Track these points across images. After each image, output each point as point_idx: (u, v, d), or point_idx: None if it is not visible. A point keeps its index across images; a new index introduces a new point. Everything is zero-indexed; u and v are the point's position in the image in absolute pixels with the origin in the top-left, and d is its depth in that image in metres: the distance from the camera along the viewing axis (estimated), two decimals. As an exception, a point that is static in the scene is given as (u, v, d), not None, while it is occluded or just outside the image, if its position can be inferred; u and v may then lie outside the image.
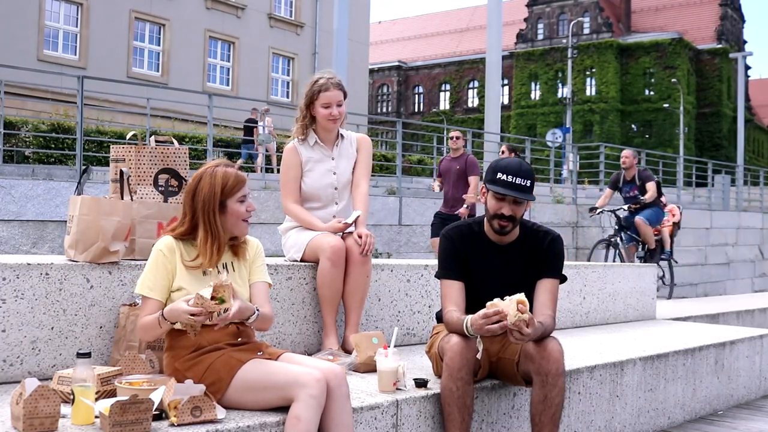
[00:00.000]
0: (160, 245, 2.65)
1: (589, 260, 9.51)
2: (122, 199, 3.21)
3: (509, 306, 2.70)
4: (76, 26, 23.52)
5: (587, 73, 57.52)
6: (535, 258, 3.14)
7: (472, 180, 8.50)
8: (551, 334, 2.98)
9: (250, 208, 2.71)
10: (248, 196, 2.72)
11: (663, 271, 9.54)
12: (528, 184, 2.98)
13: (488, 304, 2.76)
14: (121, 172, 3.23)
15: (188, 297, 2.47)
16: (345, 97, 3.81)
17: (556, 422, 2.92)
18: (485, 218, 3.15)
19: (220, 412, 2.38)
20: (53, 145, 13.46)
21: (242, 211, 2.68)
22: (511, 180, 2.96)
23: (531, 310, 3.03)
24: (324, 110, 3.73)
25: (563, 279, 3.20)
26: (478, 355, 2.91)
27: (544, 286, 3.11)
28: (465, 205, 8.41)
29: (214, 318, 2.44)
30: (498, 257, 3.14)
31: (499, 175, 2.98)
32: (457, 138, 8.80)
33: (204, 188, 2.63)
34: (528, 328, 2.70)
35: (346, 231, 3.72)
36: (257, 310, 2.65)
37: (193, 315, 2.41)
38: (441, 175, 8.93)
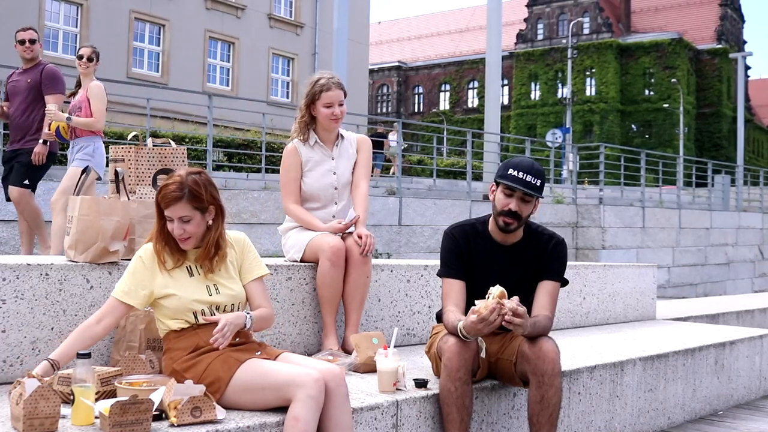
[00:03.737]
0: (141, 251, 2.66)
1: None
2: (120, 199, 3.22)
3: (498, 299, 2.73)
4: (76, 26, 23.51)
5: (587, 73, 57.51)
6: (538, 260, 3.14)
7: (50, 99, 5.91)
8: (548, 335, 2.99)
9: (175, 232, 2.58)
10: (176, 220, 2.57)
11: None
12: (538, 183, 3.00)
13: (472, 309, 2.79)
14: (116, 172, 3.24)
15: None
16: (345, 96, 3.82)
17: (553, 422, 2.93)
18: (491, 216, 3.16)
19: (220, 413, 2.38)
20: (53, 146, 13.45)
21: (170, 228, 2.60)
22: (521, 176, 2.98)
23: (529, 311, 3.05)
24: (326, 110, 3.73)
25: (564, 282, 3.21)
26: (482, 354, 2.91)
27: (544, 287, 3.12)
28: (42, 139, 5.91)
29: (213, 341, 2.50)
30: (501, 257, 3.14)
31: (511, 170, 3.00)
32: (31, 42, 6.17)
33: (158, 190, 2.63)
34: (520, 309, 2.74)
35: (346, 231, 3.73)
36: (248, 314, 2.66)
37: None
38: (8, 98, 6.26)
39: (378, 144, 19.46)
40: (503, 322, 2.74)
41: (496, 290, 2.77)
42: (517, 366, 3.05)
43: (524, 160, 3.05)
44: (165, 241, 2.63)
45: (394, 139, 19.55)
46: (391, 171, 19.98)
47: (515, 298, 2.78)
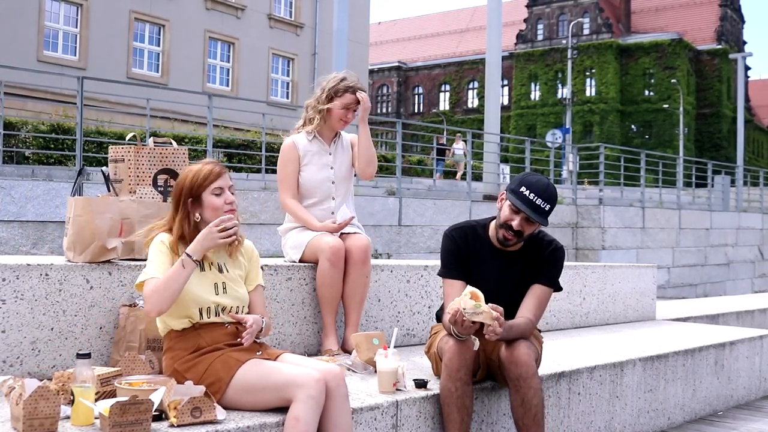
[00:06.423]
0: (161, 238, 2.66)
1: None
2: (111, 197, 3.24)
3: (463, 301, 2.74)
4: (76, 27, 23.51)
5: (587, 73, 57.50)
6: (534, 264, 3.13)
7: None
8: (525, 338, 2.98)
9: (227, 200, 2.66)
10: (227, 189, 2.67)
11: None
12: (547, 208, 2.95)
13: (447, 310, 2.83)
14: (102, 173, 3.31)
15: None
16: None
17: (539, 423, 2.91)
18: (492, 220, 3.15)
19: (220, 413, 2.38)
20: (53, 146, 13.43)
21: (218, 203, 2.64)
22: (532, 198, 2.93)
23: (515, 312, 3.04)
24: (342, 111, 3.77)
25: (557, 288, 3.19)
26: (475, 348, 2.91)
27: (533, 291, 3.11)
28: None
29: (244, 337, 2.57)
30: (498, 261, 3.13)
31: (523, 189, 2.95)
32: None
33: (181, 182, 2.67)
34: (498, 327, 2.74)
35: (345, 231, 3.73)
36: (262, 319, 2.69)
37: (217, 226, 2.55)
38: None
39: (439, 152, 22.65)
40: (486, 336, 2.77)
41: (465, 294, 2.78)
42: (501, 369, 3.05)
43: (541, 180, 2.98)
44: (182, 232, 2.65)
45: (459, 147, 21.74)
46: (458, 176, 21.75)
47: (494, 323, 2.76)
